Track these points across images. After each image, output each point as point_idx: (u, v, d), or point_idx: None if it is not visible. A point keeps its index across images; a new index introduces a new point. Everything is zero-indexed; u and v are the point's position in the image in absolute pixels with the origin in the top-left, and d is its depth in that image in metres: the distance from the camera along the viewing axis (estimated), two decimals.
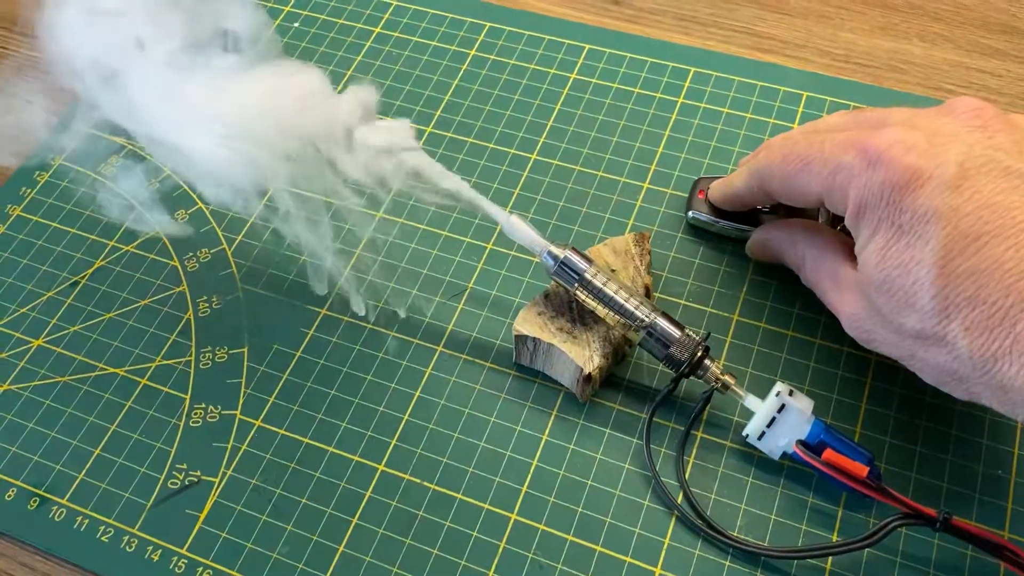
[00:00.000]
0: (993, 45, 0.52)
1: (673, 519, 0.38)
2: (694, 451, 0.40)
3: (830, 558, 0.37)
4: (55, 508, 0.41)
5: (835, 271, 0.37)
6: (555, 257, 0.40)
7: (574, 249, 0.40)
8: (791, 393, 0.38)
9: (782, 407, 0.38)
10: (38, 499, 0.41)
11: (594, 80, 0.52)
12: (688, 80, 0.52)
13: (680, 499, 0.39)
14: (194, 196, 0.49)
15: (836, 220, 0.41)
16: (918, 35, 0.53)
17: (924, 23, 0.54)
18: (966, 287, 0.31)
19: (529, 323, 0.41)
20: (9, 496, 0.41)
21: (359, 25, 0.56)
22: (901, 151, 0.32)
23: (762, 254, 0.43)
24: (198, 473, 0.41)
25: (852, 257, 0.36)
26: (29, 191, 0.51)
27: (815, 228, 0.40)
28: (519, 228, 0.41)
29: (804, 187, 0.36)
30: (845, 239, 0.38)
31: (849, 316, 0.36)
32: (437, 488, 0.40)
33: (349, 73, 0.54)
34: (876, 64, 0.52)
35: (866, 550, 0.37)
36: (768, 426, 0.38)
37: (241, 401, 0.42)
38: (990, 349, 0.30)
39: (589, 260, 0.40)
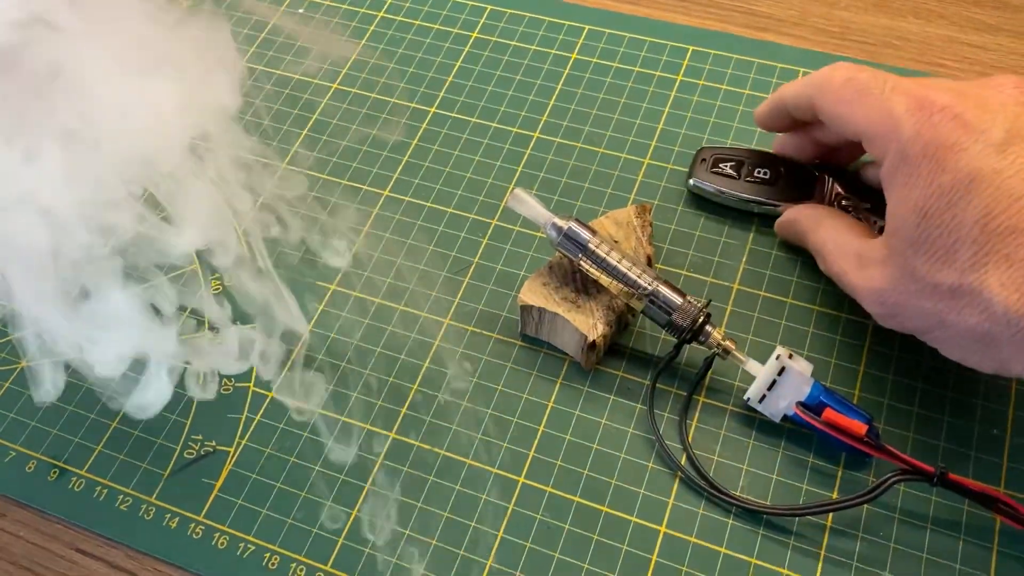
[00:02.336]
0: (985, 20, 0.53)
1: (677, 480, 0.39)
2: (696, 415, 0.41)
3: (830, 514, 0.38)
4: (74, 479, 0.42)
5: (859, 249, 0.38)
6: (559, 229, 0.41)
7: (578, 220, 0.41)
8: (791, 356, 0.39)
9: (782, 370, 0.39)
10: (57, 471, 0.42)
11: (594, 60, 0.53)
12: (687, 59, 0.53)
13: (683, 461, 0.40)
14: None
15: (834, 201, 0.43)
16: (912, 12, 0.54)
17: (918, 0, 0.55)
18: (1005, 243, 0.32)
19: (534, 293, 0.42)
20: (29, 468, 0.42)
21: (362, 10, 0.57)
22: (951, 113, 0.34)
23: (787, 234, 0.44)
24: (213, 443, 0.42)
25: (873, 238, 0.37)
26: None
27: (839, 213, 0.42)
28: (524, 201, 0.42)
29: (851, 117, 0.37)
30: (866, 226, 0.40)
31: (873, 292, 0.37)
32: (447, 454, 0.41)
33: (353, 57, 0.55)
34: (872, 41, 0.53)
35: (865, 506, 0.38)
36: (769, 389, 0.39)
37: (254, 374, 0.44)
38: None
39: (592, 231, 0.41)
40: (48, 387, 0.42)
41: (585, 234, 0.41)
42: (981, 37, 0.52)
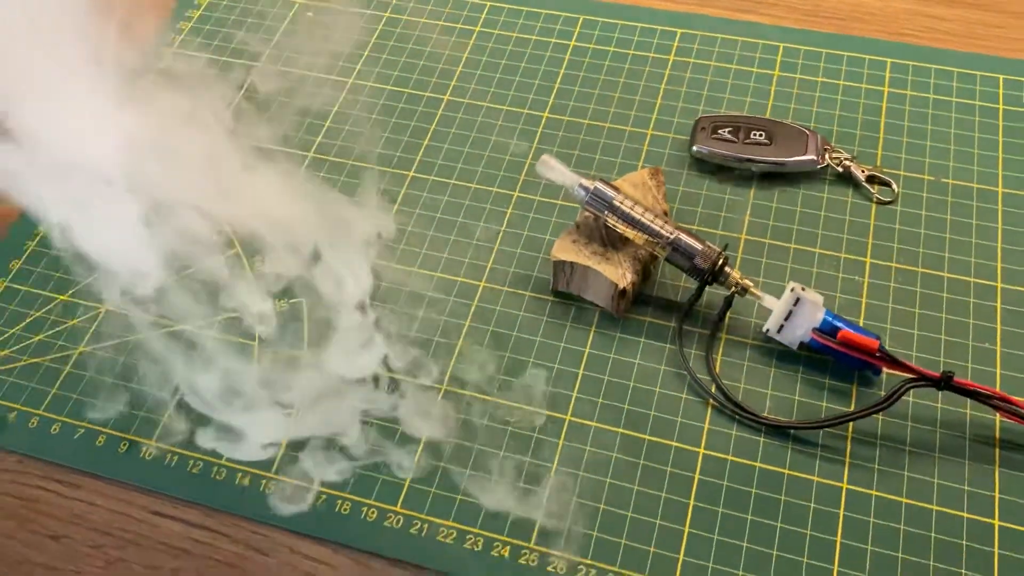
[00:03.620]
0: None
1: (709, 407, 0.43)
2: (720, 351, 0.45)
3: (851, 424, 0.42)
4: (144, 448, 0.44)
5: None
6: (586, 188, 0.45)
7: (603, 180, 0.45)
8: (803, 289, 0.43)
9: (797, 301, 0.43)
10: (127, 443, 0.44)
11: (591, 46, 0.58)
12: (676, 41, 0.57)
13: (713, 390, 0.44)
14: None
15: None
16: None
17: None
18: None
19: (565, 250, 0.46)
20: (100, 442, 0.44)
21: (368, 11, 0.61)
22: None
23: None
24: (276, 404, 0.45)
25: None
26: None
27: None
28: (552, 166, 0.45)
29: None
30: None
31: None
32: (496, 399, 0.44)
33: (366, 54, 0.58)
34: (841, 16, 0.58)
35: (880, 417, 0.42)
36: (786, 319, 0.43)
37: (306, 339, 0.47)
38: None
39: (616, 188, 0.45)
40: None
41: (610, 192, 0.45)
42: (939, 8, 0.58)
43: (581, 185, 0.45)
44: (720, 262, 0.44)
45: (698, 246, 0.44)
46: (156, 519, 0.43)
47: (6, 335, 0.48)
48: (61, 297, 0.49)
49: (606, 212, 0.45)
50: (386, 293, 0.48)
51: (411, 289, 0.48)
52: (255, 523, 0.42)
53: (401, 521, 0.41)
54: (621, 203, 0.44)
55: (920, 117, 0.52)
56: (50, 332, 0.48)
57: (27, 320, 0.49)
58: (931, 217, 0.48)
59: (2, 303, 0.49)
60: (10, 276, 0.50)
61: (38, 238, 0.52)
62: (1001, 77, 0.54)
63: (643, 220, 0.44)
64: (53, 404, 0.46)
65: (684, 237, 0.44)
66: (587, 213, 0.46)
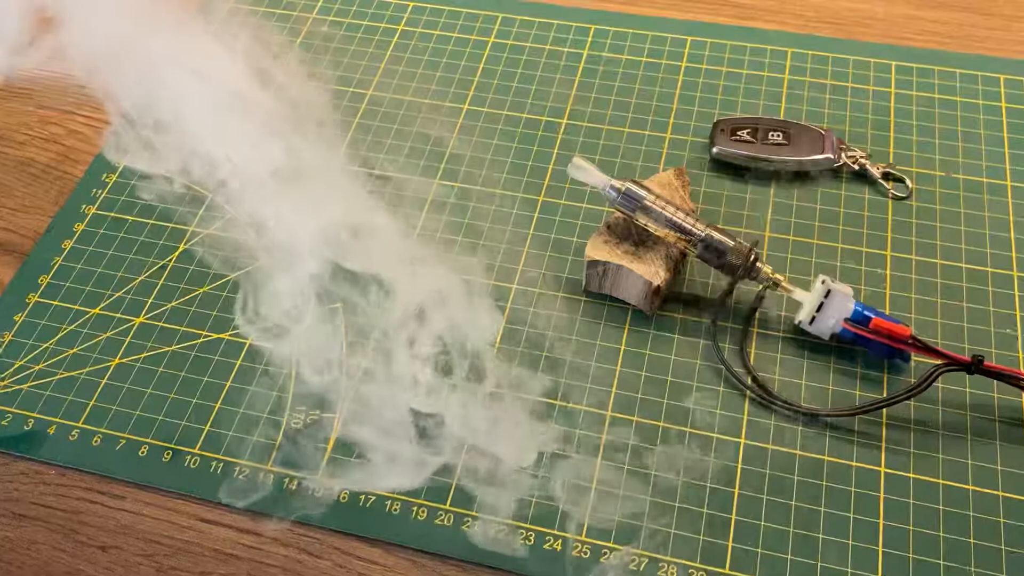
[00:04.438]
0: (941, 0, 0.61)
1: (747, 399, 0.44)
2: (753, 345, 0.46)
3: (884, 411, 0.43)
4: (188, 457, 0.44)
5: None
6: (617, 189, 0.46)
7: (634, 180, 0.46)
8: (833, 281, 0.45)
9: (828, 292, 0.44)
10: (171, 452, 0.45)
11: (605, 54, 0.59)
12: (687, 48, 0.59)
13: (749, 382, 0.45)
14: None
15: None
16: None
17: None
18: None
19: (598, 250, 0.47)
20: (142, 452, 0.45)
21: (383, 24, 0.62)
22: None
23: None
24: (317, 412, 0.45)
25: None
26: (99, 191, 0.54)
27: None
28: (583, 168, 0.47)
29: None
30: None
31: None
32: (538, 398, 0.45)
33: (383, 66, 0.59)
34: (844, 22, 0.60)
35: (912, 402, 0.43)
36: (817, 311, 0.44)
37: (344, 347, 0.47)
38: None
39: (647, 188, 0.46)
40: None
41: (641, 191, 0.46)
42: (937, 13, 0.60)
43: (612, 186, 0.46)
44: (752, 258, 0.45)
45: (729, 243, 0.45)
46: (202, 525, 0.43)
47: (40, 349, 0.48)
48: (94, 311, 0.49)
49: (637, 212, 0.46)
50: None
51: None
52: (304, 526, 0.42)
53: (452, 519, 0.41)
54: (653, 203, 0.46)
55: (927, 116, 0.54)
56: (84, 345, 0.48)
57: (60, 334, 0.49)
58: (945, 211, 0.50)
59: (34, 318, 0.49)
60: (40, 291, 0.50)
61: (65, 252, 0.52)
62: (1002, 77, 0.56)
63: (675, 219, 0.45)
64: (92, 416, 0.46)
65: (716, 234, 0.45)
66: (617, 214, 0.47)
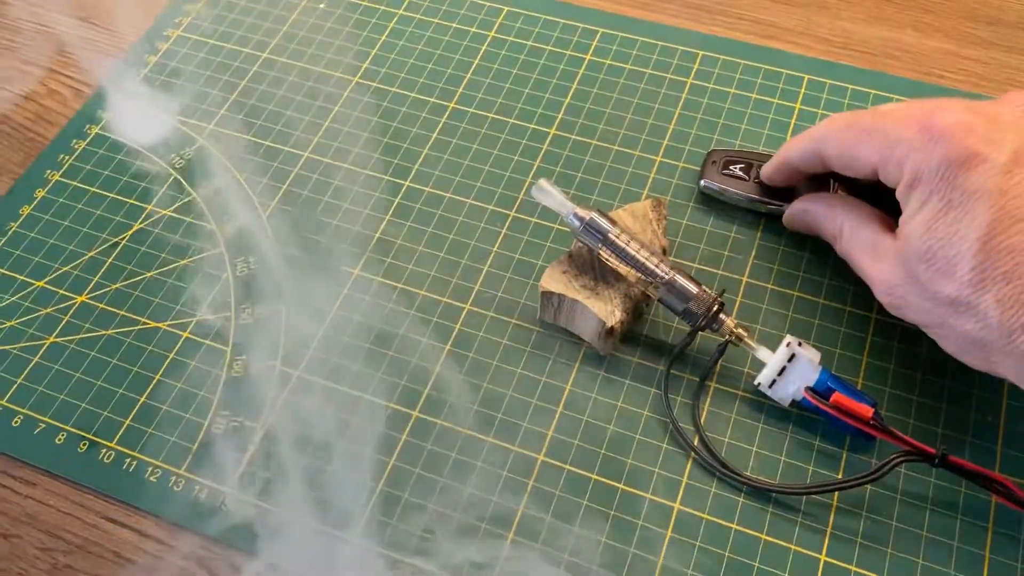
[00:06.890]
0: (979, 35, 0.56)
1: (690, 460, 0.41)
2: (708, 400, 0.43)
3: (836, 493, 0.40)
4: (104, 451, 0.43)
5: (874, 241, 0.39)
6: (581, 219, 0.43)
7: (599, 211, 0.43)
8: (800, 344, 0.41)
9: (792, 356, 0.41)
10: (87, 443, 0.43)
11: (608, 61, 0.55)
12: (697, 63, 0.55)
13: (696, 442, 0.42)
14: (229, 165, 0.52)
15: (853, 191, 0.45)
16: (911, 25, 0.57)
17: (916, 14, 0.57)
18: (1004, 263, 0.33)
19: (555, 281, 0.44)
20: (59, 440, 0.43)
21: (382, 7, 0.59)
22: (962, 131, 0.35)
23: (798, 225, 0.46)
24: (241, 419, 0.43)
25: (890, 228, 0.39)
26: (67, 158, 0.53)
27: (854, 201, 0.42)
28: (547, 191, 0.43)
29: (862, 156, 0.38)
30: (882, 213, 0.41)
31: (884, 283, 0.38)
32: (469, 432, 0.42)
33: (373, 52, 0.56)
34: (872, 51, 0.55)
35: (869, 487, 0.40)
36: (779, 375, 0.41)
37: (281, 353, 0.45)
38: (1019, 321, 0.33)
39: (613, 221, 0.43)
40: None
41: (606, 224, 0.43)
42: (975, 50, 0.55)
43: (576, 215, 0.43)
44: (715, 308, 0.42)
45: (693, 289, 0.42)
46: (108, 524, 0.41)
47: None
48: (38, 284, 0.48)
49: (600, 245, 0.43)
50: (367, 309, 0.46)
51: (392, 306, 0.46)
52: (209, 539, 0.40)
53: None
54: (616, 237, 0.42)
55: None
56: (22, 319, 0.47)
57: (1, 304, 0.47)
58: None
59: None
60: None
61: (21, 219, 0.50)
62: None
63: (638, 257, 0.42)
64: (17, 395, 0.44)
65: (680, 278, 0.42)
66: (581, 244, 0.44)
